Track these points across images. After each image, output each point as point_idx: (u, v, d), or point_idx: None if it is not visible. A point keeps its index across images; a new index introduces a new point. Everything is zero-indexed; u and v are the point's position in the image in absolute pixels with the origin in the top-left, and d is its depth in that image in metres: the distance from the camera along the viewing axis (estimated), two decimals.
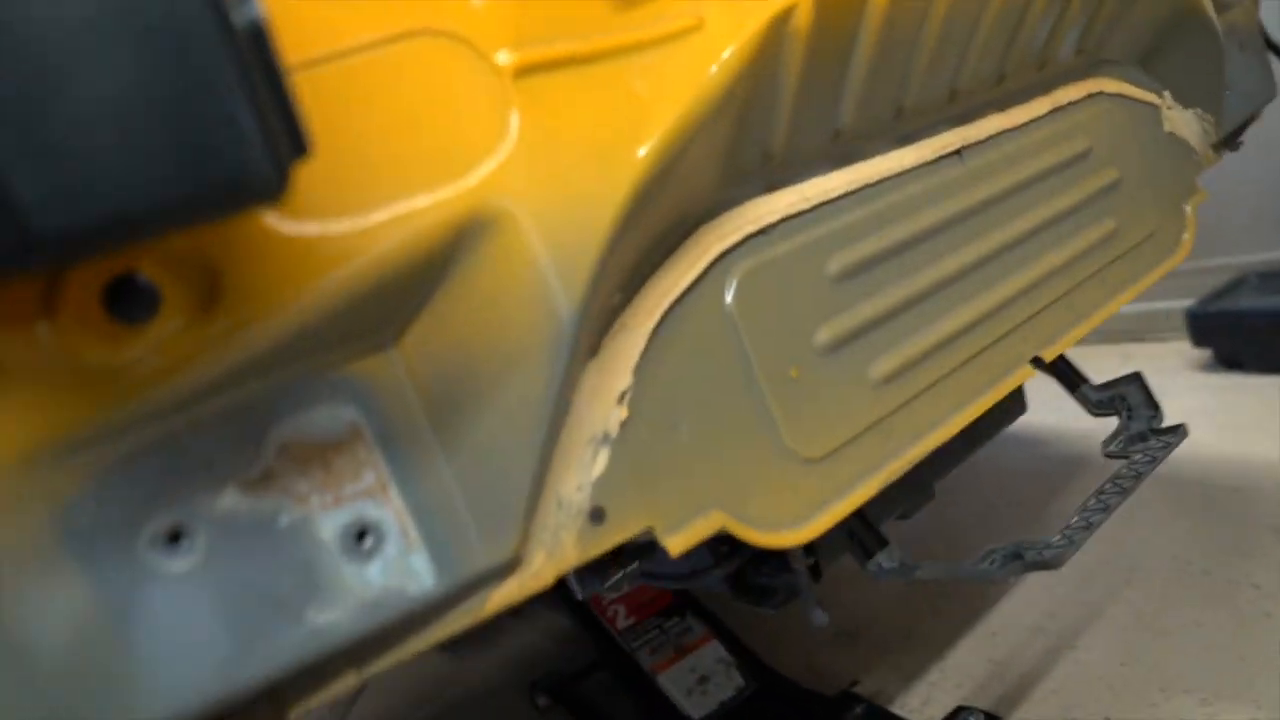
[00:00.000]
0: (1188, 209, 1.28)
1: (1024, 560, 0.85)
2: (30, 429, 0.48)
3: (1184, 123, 1.33)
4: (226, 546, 0.52)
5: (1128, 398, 1.12)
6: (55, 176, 0.35)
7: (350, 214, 0.53)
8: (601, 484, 0.63)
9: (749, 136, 0.72)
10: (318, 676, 0.58)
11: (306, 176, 0.52)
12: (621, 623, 1.67)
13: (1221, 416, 2.29)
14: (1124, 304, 1.12)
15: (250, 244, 0.50)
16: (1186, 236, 1.26)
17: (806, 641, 1.88)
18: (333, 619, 0.54)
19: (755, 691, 1.53)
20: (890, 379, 0.82)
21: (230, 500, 0.52)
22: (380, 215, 0.53)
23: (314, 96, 0.51)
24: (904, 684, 1.67)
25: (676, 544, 0.66)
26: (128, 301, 0.49)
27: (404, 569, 0.56)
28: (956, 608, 1.86)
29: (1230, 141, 1.45)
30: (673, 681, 1.55)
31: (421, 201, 0.54)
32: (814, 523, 0.75)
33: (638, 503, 0.64)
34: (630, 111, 0.60)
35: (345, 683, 0.59)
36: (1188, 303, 2.75)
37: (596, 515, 0.62)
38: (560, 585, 1.84)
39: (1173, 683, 1.48)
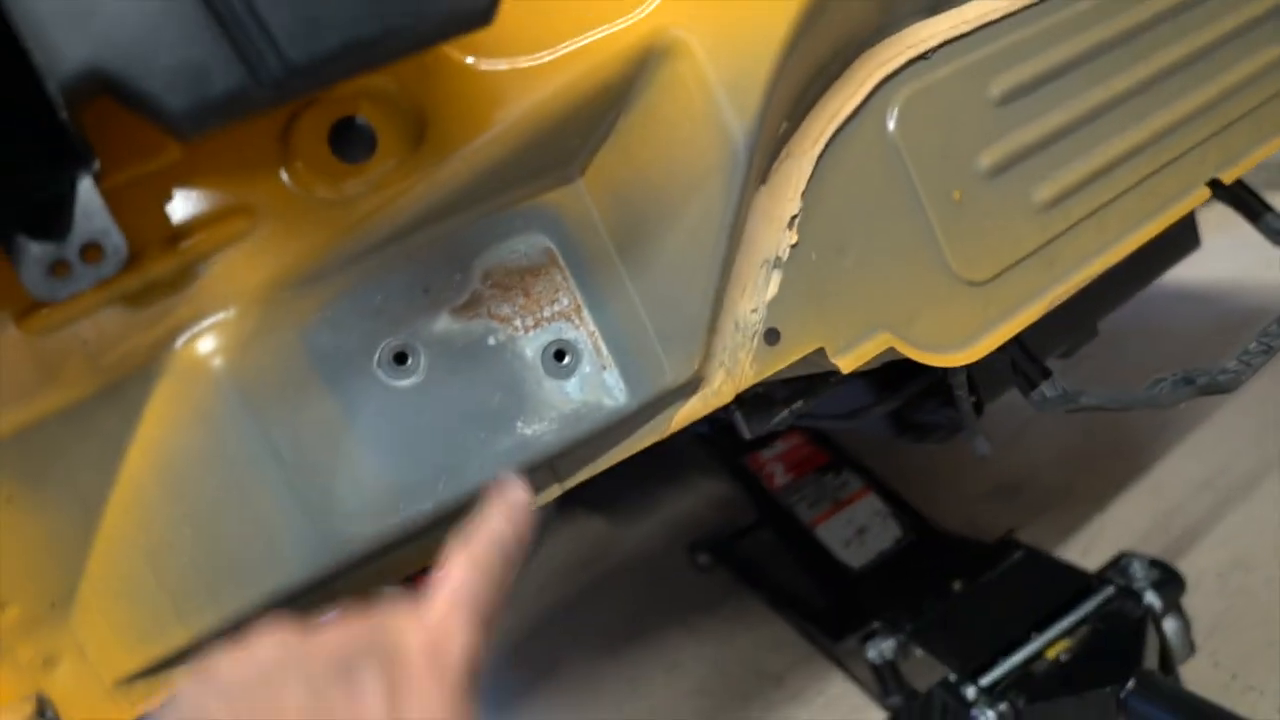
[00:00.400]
0: None
1: (1195, 385, 0.84)
2: (278, 261, 0.55)
3: None
4: (445, 365, 0.58)
5: None
6: (303, 11, 0.40)
7: (536, 50, 0.57)
8: (775, 306, 0.66)
9: None
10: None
11: (501, 17, 0.56)
12: (779, 480, 1.73)
13: None
14: None
15: (450, 84, 0.55)
16: None
17: (964, 497, 1.89)
18: (539, 430, 0.60)
19: (912, 541, 1.56)
20: (1054, 203, 0.81)
21: (445, 323, 0.58)
22: (563, 49, 0.57)
23: None
24: (1063, 536, 1.67)
25: (847, 363, 0.69)
26: (349, 143, 0.55)
27: (599, 385, 0.61)
28: (1118, 464, 1.83)
29: None
30: (830, 533, 1.60)
31: (600, 34, 0.57)
32: (978, 345, 0.76)
33: (809, 324, 0.68)
34: None
35: (549, 494, 0.65)
36: None
37: (771, 336, 0.66)
38: (717, 449, 1.90)
39: None
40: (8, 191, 0.47)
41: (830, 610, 1.52)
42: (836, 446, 1.77)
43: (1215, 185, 0.93)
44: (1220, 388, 0.84)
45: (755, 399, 0.95)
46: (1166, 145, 0.89)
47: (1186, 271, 2.54)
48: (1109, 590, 1.25)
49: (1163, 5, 0.89)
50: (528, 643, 2.07)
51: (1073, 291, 0.82)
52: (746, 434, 0.93)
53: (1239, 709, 1.04)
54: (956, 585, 1.39)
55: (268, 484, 0.56)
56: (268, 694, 0.41)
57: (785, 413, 0.92)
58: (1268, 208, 1.11)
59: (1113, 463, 1.84)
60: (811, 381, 0.91)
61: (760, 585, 1.76)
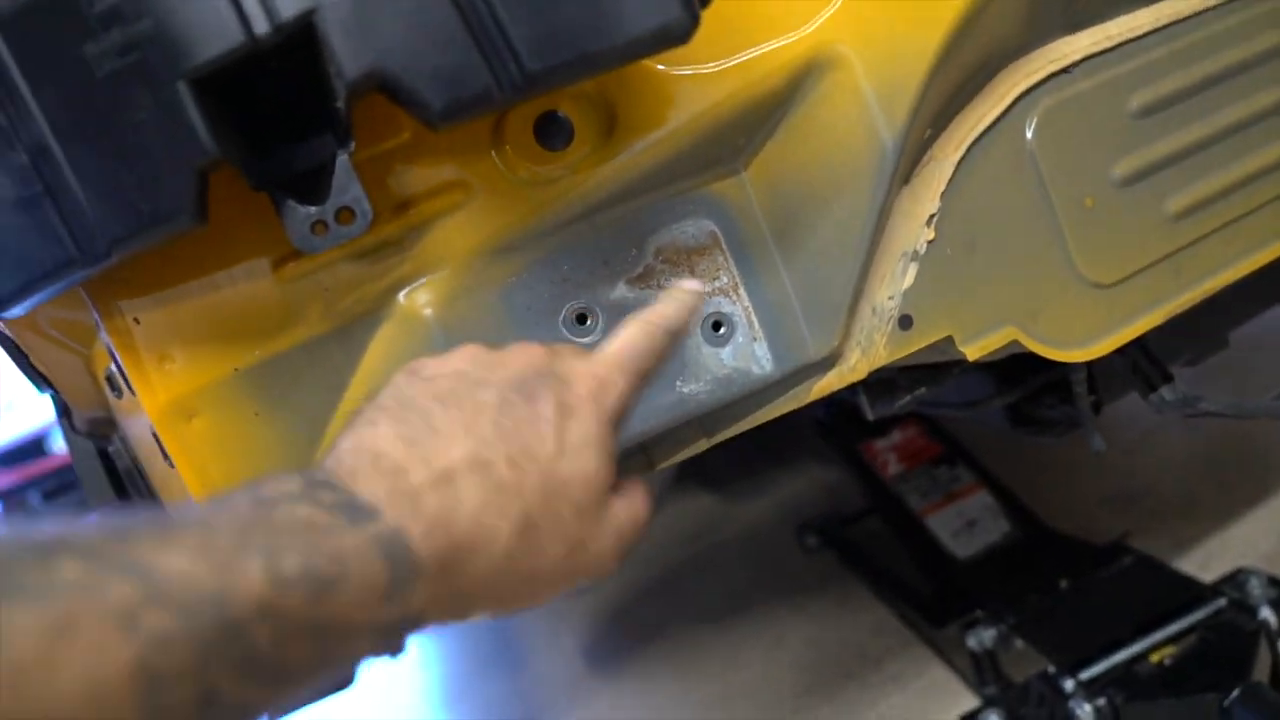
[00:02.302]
0: None
1: None
2: (486, 229, 0.65)
3: None
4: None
5: None
6: (541, 27, 0.50)
7: (714, 58, 0.65)
8: (910, 295, 0.73)
9: None
10: (679, 439, 0.74)
11: None
12: (892, 469, 1.77)
13: None
14: None
15: (640, 86, 0.64)
16: None
17: (1079, 501, 1.89)
18: (695, 389, 0.69)
19: (1021, 537, 1.59)
20: (1186, 214, 0.85)
21: (621, 291, 0.68)
22: (738, 59, 0.65)
23: None
24: (1181, 548, 1.66)
25: (973, 351, 0.75)
26: (551, 133, 0.64)
27: (749, 355, 0.70)
28: (1245, 481, 1.79)
29: None
30: (940, 523, 1.64)
31: (771, 46, 0.65)
32: (1099, 344, 0.81)
33: (940, 313, 0.74)
34: None
35: (697, 446, 0.74)
36: None
37: (905, 322, 0.73)
38: (834, 435, 1.95)
39: None
40: (288, 163, 0.58)
41: (934, 598, 1.56)
42: (951, 440, 1.80)
43: None
44: None
45: (880, 383, 1.02)
46: None
47: None
48: (1221, 602, 1.26)
49: None
50: (634, 608, 2.15)
51: (1197, 300, 0.86)
52: (869, 415, 1.00)
53: None
54: (1063, 583, 1.42)
55: None
56: (462, 389, 0.50)
57: (908, 398, 0.99)
58: None
59: (1239, 479, 1.81)
60: (935, 369, 0.97)
61: (865, 570, 1.80)
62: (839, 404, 1.89)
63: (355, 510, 0.43)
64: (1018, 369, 1.03)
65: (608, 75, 0.64)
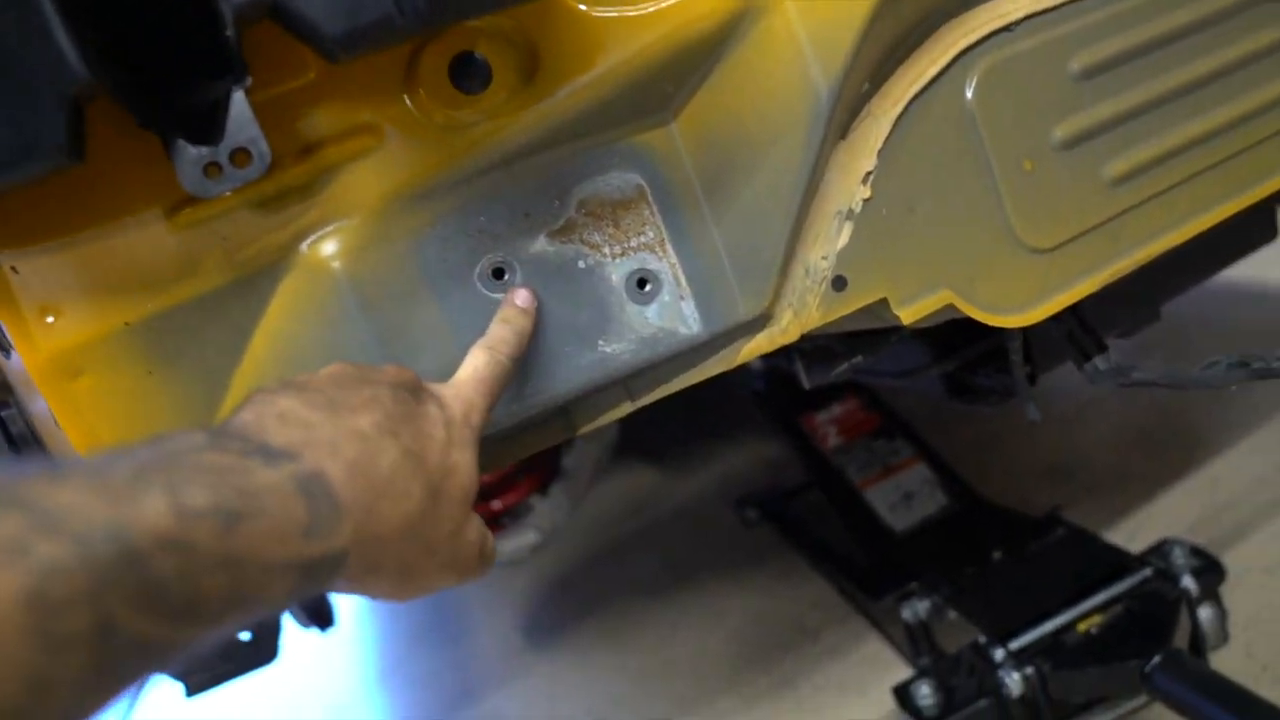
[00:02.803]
0: None
1: (1249, 368, 0.87)
2: (398, 176, 0.61)
3: None
4: (538, 282, 0.64)
5: None
6: None
7: (642, 0, 0.61)
8: (844, 255, 0.71)
9: None
10: (601, 402, 0.71)
11: None
12: (832, 441, 1.77)
13: None
14: None
15: (562, 26, 0.60)
16: None
17: (1017, 474, 1.91)
18: (618, 349, 0.66)
19: (958, 510, 1.60)
20: (1125, 179, 0.83)
21: (541, 245, 0.64)
22: (668, 1, 0.62)
23: None
24: (1112, 519, 1.69)
25: (908, 314, 0.74)
26: (467, 75, 0.61)
27: (676, 313, 0.67)
28: (1177, 453, 1.83)
29: None
30: (878, 496, 1.64)
31: None
32: (1036, 309, 0.80)
33: (875, 274, 0.72)
34: None
35: (621, 410, 0.71)
36: None
37: (839, 282, 0.71)
38: (773, 407, 1.94)
39: None
40: (175, 98, 0.53)
41: (870, 570, 1.56)
42: (891, 413, 1.81)
43: None
44: (1274, 373, 0.86)
45: (816, 350, 1.00)
46: (1244, 131, 0.90)
47: (1270, 271, 2.50)
48: (1146, 571, 1.28)
49: None
50: (573, 580, 2.15)
51: (1135, 266, 0.85)
52: (806, 383, 0.98)
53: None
54: (996, 555, 1.43)
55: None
56: (352, 382, 0.52)
57: (845, 365, 0.97)
58: None
59: (1171, 451, 1.84)
60: (872, 336, 0.95)
61: (805, 543, 1.81)
62: (778, 375, 1.88)
63: (269, 453, 0.43)
64: (954, 337, 1.02)
65: (527, 13, 0.60)
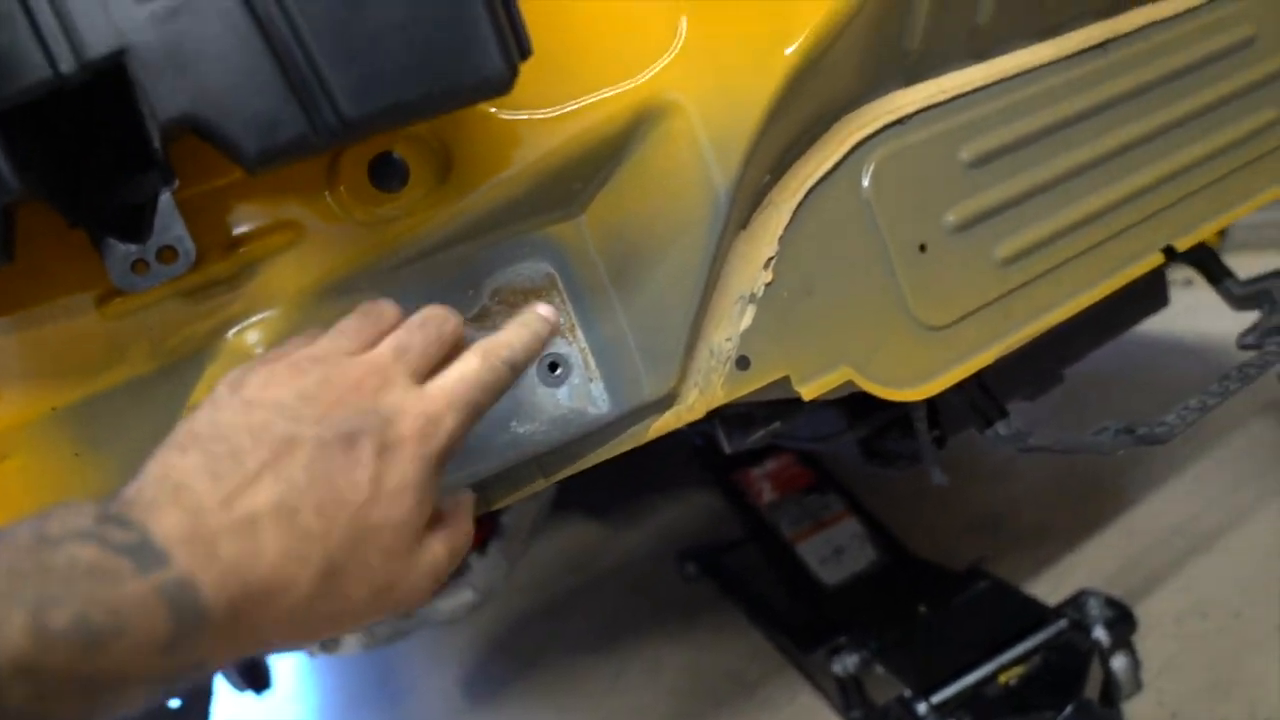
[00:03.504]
0: None
1: (1134, 434, 0.92)
2: (319, 269, 0.64)
3: None
4: None
5: (1272, 291, 1.14)
6: (358, 75, 0.50)
7: (552, 104, 0.66)
8: (747, 336, 0.75)
9: (889, 35, 0.80)
10: (515, 479, 0.74)
11: (521, 74, 0.65)
12: (766, 497, 1.81)
13: None
14: (1276, 197, 1.12)
15: (476, 129, 0.64)
16: None
17: (945, 528, 1.96)
18: (530, 430, 0.69)
19: (887, 564, 1.64)
20: (1014, 259, 0.89)
21: None
22: (573, 105, 0.66)
23: (527, 8, 0.63)
24: (1035, 571, 1.74)
25: (809, 391, 0.78)
26: (386, 174, 0.64)
27: (586, 395, 0.71)
28: (1097, 505, 1.89)
29: None
30: (809, 551, 1.68)
31: (606, 94, 0.67)
32: (932, 383, 0.85)
33: (777, 354, 0.77)
34: (779, 15, 0.70)
35: (534, 486, 0.74)
36: None
37: (742, 362, 0.75)
38: (714, 467, 1.98)
39: None
40: (105, 201, 0.56)
41: (803, 624, 1.60)
42: (824, 469, 1.85)
43: (1169, 252, 1.01)
44: (1156, 439, 0.92)
45: (737, 417, 1.04)
46: (1124, 213, 0.97)
47: (1184, 324, 2.61)
48: (1062, 623, 1.33)
49: (1125, 87, 0.98)
50: (513, 638, 2.14)
51: (1026, 341, 0.91)
52: (727, 448, 1.02)
53: None
54: (922, 608, 1.47)
55: None
56: (280, 425, 0.48)
57: (763, 431, 1.01)
58: (1228, 273, 1.20)
59: (1092, 503, 1.91)
60: (789, 405, 0.99)
61: (742, 597, 1.83)
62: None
63: (145, 554, 0.41)
64: (867, 404, 1.07)
65: (443, 119, 0.64)
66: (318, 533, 0.46)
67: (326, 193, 0.64)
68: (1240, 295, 1.17)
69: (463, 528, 0.54)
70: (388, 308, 0.57)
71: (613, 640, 1.99)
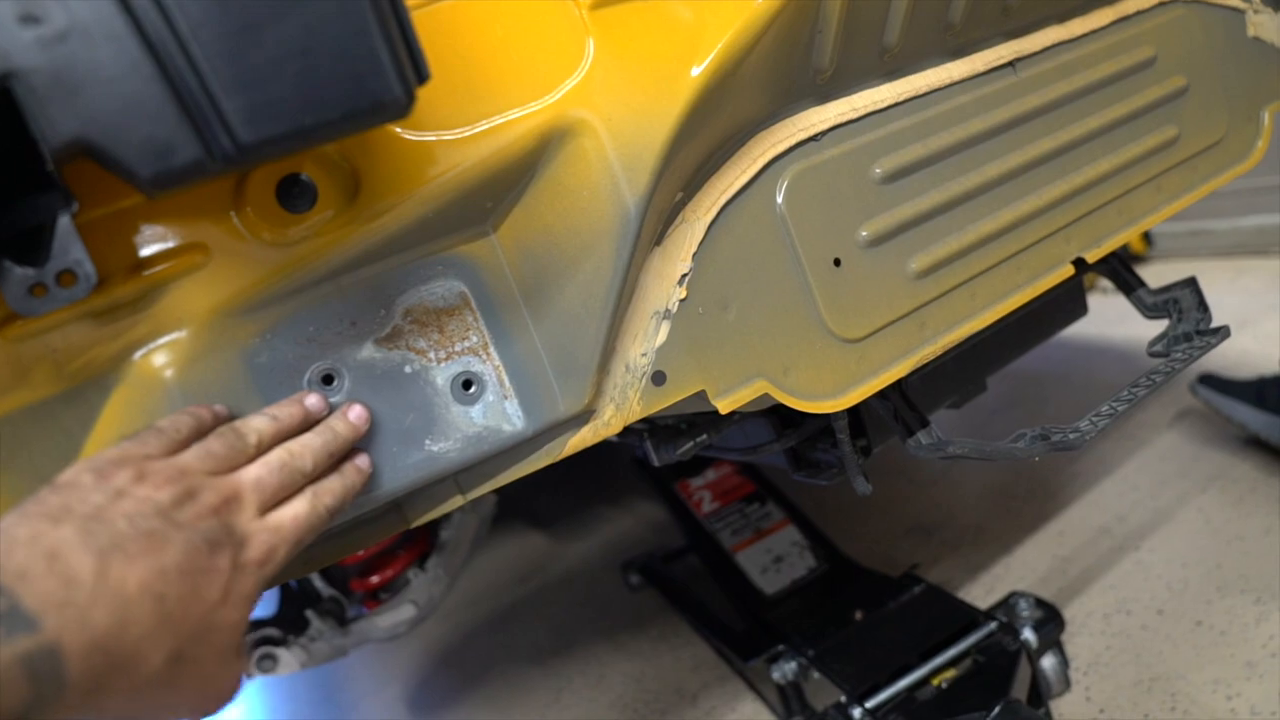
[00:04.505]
0: (1265, 116, 1.30)
1: (1049, 441, 0.95)
2: (226, 292, 0.64)
3: (1273, 27, 1.33)
4: (366, 387, 0.68)
5: (1180, 300, 1.18)
6: (253, 101, 0.50)
7: (461, 125, 0.67)
8: (663, 352, 0.76)
9: (799, 55, 0.82)
10: (433, 497, 0.74)
11: (427, 96, 0.66)
12: (706, 507, 1.82)
13: None
14: (1183, 208, 1.16)
15: (384, 150, 0.65)
16: (1260, 144, 1.29)
17: (883, 534, 2.00)
18: (445, 448, 0.70)
19: (825, 571, 1.67)
20: (927, 273, 0.92)
21: (368, 352, 0.68)
22: (482, 126, 0.67)
23: (431, 33, 0.64)
24: (970, 575, 1.78)
25: (725, 404, 0.79)
26: (294, 196, 0.64)
27: (500, 412, 0.71)
28: (1031, 508, 1.94)
29: None
30: (749, 560, 1.70)
31: (516, 114, 0.68)
32: (849, 395, 0.86)
33: (693, 368, 0.78)
34: (686, 36, 0.71)
35: (453, 503, 0.75)
36: None
37: (658, 378, 0.76)
38: (655, 477, 1.99)
39: (1231, 584, 1.54)
40: (1, 224, 0.56)
41: (744, 633, 1.61)
42: (763, 479, 1.87)
43: (1080, 263, 1.04)
44: (1069, 445, 0.95)
45: (665, 429, 1.05)
46: (1034, 226, 1.00)
47: (1117, 330, 2.68)
48: (992, 625, 1.36)
49: (1033, 104, 1.01)
50: (459, 651, 2.14)
51: (942, 351, 0.93)
52: (654, 461, 1.03)
53: None
54: (859, 614, 1.50)
55: None
56: (156, 521, 0.52)
57: (691, 444, 1.02)
58: (1141, 283, 1.23)
59: (1025, 507, 1.95)
60: (715, 417, 1.01)
61: (685, 606, 1.85)
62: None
63: (15, 619, 0.43)
64: (795, 415, 1.09)
65: (350, 140, 0.65)
66: (176, 619, 0.51)
67: (234, 214, 0.64)
68: (1150, 304, 1.21)
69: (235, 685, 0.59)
70: (252, 433, 0.61)
71: (559, 652, 2.00)
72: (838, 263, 0.86)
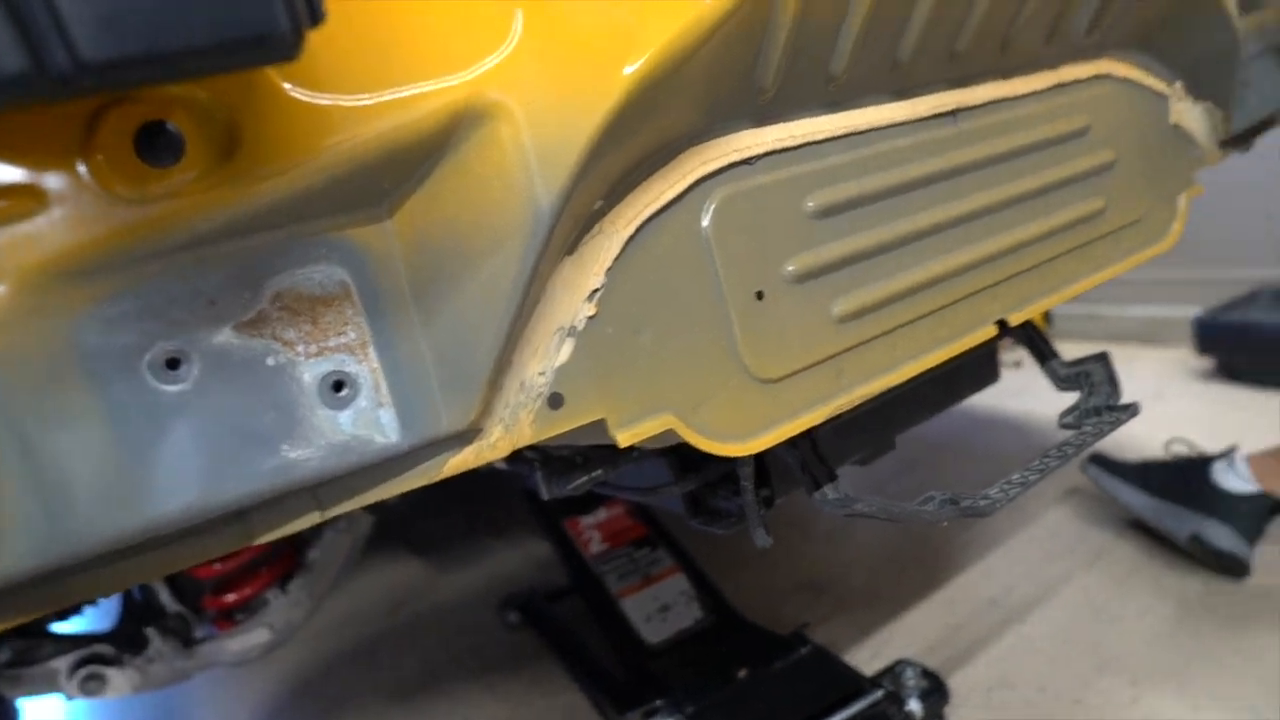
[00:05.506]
0: (1181, 201, 1.32)
1: (959, 506, 0.91)
2: (60, 248, 0.54)
3: (1192, 116, 1.36)
4: (217, 377, 0.58)
5: (1092, 374, 1.17)
6: (103, 11, 0.41)
7: (363, 91, 0.58)
8: (563, 372, 0.69)
9: (742, 69, 0.76)
10: (284, 510, 0.64)
11: (326, 52, 0.58)
12: (595, 548, 1.74)
13: (1212, 424, 2.34)
14: (1099, 283, 1.16)
15: (269, 107, 0.56)
16: (1175, 227, 1.30)
17: (773, 589, 1.96)
18: (304, 455, 0.60)
19: (712, 624, 1.60)
20: (851, 318, 0.87)
21: (225, 337, 0.58)
22: (387, 95, 0.59)
23: None
24: (858, 637, 1.75)
25: (626, 437, 0.72)
26: (156, 147, 0.55)
27: (373, 421, 0.62)
28: (922, 574, 1.93)
29: (1242, 141, 1.47)
30: (635, 606, 1.62)
31: (427, 87, 0.60)
32: (758, 439, 0.81)
33: (594, 394, 0.70)
34: (624, 30, 0.65)
35: (308, 519, 0.65)
36: (1198, 311, 2.79)
37: (555, 400, 0.68)
38: (544, 512, 1.91)
39: (1109, 663, 1.55)
40: None
41: (622, 683, 1.54)
42: (656, 523, 1.81)
43: (1002, 326, 1.02)
44: (979, 512, 0.91)
45: (559, 461, 0.97)
46: (961, 283, 0.97)
47: (1014, 404, 2.72)
48: (878, 694, 1.31)
49: (971, 157, 0.98)
50: (318, 679, 2.01)
51: (857, 402, 0.88)
52: (544, 494, 0.95)
53: None
54: (742, 672, 1.43)
55: (21, 479, 0.55)
56: None
57: (584, 478, 0.95)
58: (1055, 354, 1.22)
59: (919, 571, 1.94)
60: (612, 452, 0.93)
61: (564, 650, 1.77)
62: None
63: None
64: (696, 457, 1.02)
65: (230, 89, 0.56)
66: None
67: (80, 159, 0.54)
68: (1064, 376, 1.19)
69: None
70: None
71: (426, 688, 1.89)
72: (760, 296, 0.80)
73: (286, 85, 0.56)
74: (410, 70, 0.61)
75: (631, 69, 0.65)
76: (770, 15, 0.74)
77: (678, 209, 0.75)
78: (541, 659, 1.85)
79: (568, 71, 0.64)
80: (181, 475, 0.57)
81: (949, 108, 0.96)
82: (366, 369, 0.62)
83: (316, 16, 0.46)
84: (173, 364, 0.57)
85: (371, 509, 1.60)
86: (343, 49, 0.58)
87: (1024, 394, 2.65)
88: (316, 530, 1.59)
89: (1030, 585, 1.81)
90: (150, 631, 1.39)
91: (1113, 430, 1.05)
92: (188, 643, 1.46)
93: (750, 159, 0.80)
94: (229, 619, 1.53)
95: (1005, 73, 1.05)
